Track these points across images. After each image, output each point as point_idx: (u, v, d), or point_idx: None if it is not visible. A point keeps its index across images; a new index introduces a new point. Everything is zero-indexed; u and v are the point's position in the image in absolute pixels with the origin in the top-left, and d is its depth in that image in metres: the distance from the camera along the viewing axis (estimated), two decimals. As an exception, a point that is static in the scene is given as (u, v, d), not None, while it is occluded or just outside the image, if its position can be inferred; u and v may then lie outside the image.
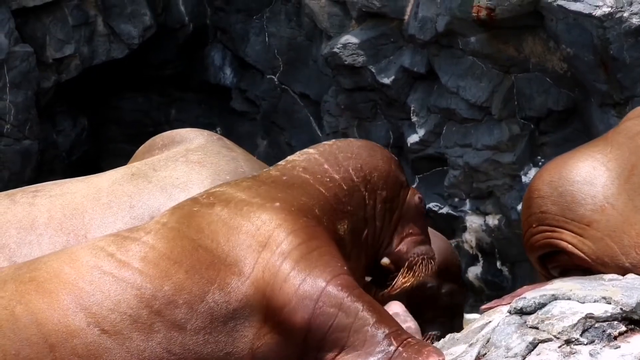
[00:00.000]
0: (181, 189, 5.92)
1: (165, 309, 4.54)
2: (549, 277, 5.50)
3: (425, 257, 5.13)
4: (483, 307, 5.14)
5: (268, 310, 4.58)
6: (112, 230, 5.70)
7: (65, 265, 4.69)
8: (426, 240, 5.27)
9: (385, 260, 5.17)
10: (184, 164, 6.07)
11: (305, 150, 5.25)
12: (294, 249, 4.63)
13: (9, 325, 4.53)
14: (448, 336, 4.95)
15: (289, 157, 5.20)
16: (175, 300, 4.55)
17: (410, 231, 5.20)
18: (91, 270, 4.63)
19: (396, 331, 4.57)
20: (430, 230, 5.49)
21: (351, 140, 5.32)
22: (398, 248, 5.16)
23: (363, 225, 5.08)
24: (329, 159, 5.11)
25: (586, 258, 5.25)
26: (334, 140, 5.36)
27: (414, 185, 9.14)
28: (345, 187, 5.04)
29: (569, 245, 5.30)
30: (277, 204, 4.79)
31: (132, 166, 6.19)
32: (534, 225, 5.44)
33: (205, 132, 6.47)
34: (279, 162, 5.22)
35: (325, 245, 4.71)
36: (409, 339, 4.56)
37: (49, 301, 4.58)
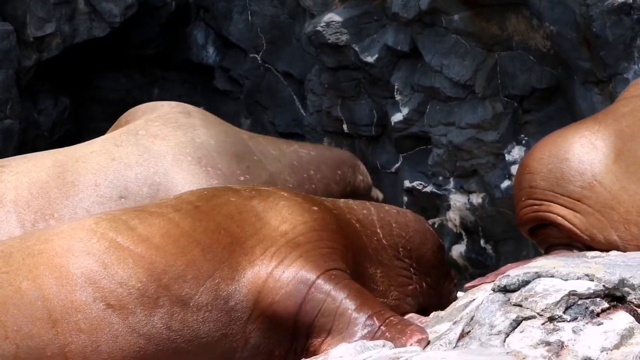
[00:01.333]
0: (145, 167, 5.90)
1: (174, 283, 4.57)
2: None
3: None
4: (467, 285, 5.17)
5: (264, 289, 4.62)
6: (79, 209, 5.67)
7: (78, 239, 4.67)
8: None
9: None
10: (144, 138, 6.04)
11: (367, 204, 5.37)
12: (309, 243, 4.72)
13: (14, 302, 4.51)
14: (432, 314, 4.97)
15: (349, 201, 5.33)
16: (184, 275, 4.58)
17: None
18: (107, 243, 4.63)
19: (379, 311, 4.61)
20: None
21: (409, 218, 5.44)
22: None
23: (408, 280, 5.20)
24: (384, 227, 5.26)
25: (576, 230, 5.33)
26: (395, 209, 5.45)
27: (397, 165, 9.15)
28: (389, 252, 5.17)
29: (559, 217, 5.39)
30: (315, 207, 4.88)
31: (94, 142, 6.14)
32: (523, 199, 5.53)
33: (173, 103, 6.46)
34: (338, 200, 5.34)
35: (338, 248, 4.80)
36: (392, 318, 4.59)
37: (59, 276, 4.57)
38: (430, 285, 5.30)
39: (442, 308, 5.22)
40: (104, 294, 4.52)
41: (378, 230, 5.21)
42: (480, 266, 8.62)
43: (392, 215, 5.35)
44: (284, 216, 4.79)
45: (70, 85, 9.86)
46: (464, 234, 8.87)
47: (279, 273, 4.63)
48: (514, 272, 4.45)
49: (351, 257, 4.90)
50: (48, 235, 4.74)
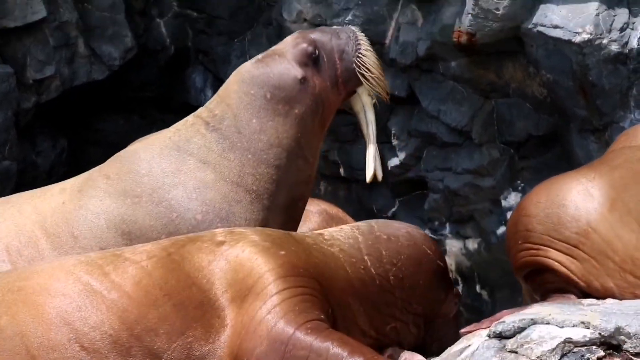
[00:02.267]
0: (111, 214, 5.89)
1: (146, 335, 4.57)
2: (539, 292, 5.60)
3: None
4: (462, 330, 5.16)
5: (240, 351, 4.60)
6: None
7: (56, 279, 4.71)
8: (454, 339, 5.32)
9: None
10: (99, 179, 6.06)
11: (352, 229, 5.28)
12: (277, 294, 4.68)
13: None
14: (428, 360, 4.97)
15: (333, 231, 5.26)
16: (156, 329, 4.58)
17: (441, 334, 5.29)
18: (81, 287, 4.67)
19: (372, 357, 4.58)
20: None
21: (401, 244, 5.32)
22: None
23: (389, 319, 5.14)
24: (372, 254, 5.18)
25: (573, 276, 5.35)
26: (385, 234, 5.34)
27: (394, 209, 9.15)
28: (377, 282, 5.11)
29: (555, 263, 5.41)
30: (283, 252, 4.84)
31: (64, 189, 6.13)
32: (519, 242, 5.56)
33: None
34: (321, 232, 5.26)
35: (309, 294, 4.75)
36: (388, 361, 4.58)
37: (35, 314, 4.62)
38: (420, 314, 5.22)
39: (440, 324, 5.20)
40: (78, 336, 4.56)
41: (365, 258, 5.14)
42: (475, 312, 8.61)
43: (381, 242, 5.27)
44: (249, 266, 4.75)
45: (68, 127, 9.88)
46: (459, 279, 8.87)
47: (252, 332, 4.59)
48: (509, 319, 4.45)
49: (330, 296, 4.85)
50: (29, 272, 4.81)
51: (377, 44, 8.89)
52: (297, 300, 4.66)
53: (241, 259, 4.77)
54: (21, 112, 9.10)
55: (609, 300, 4.98)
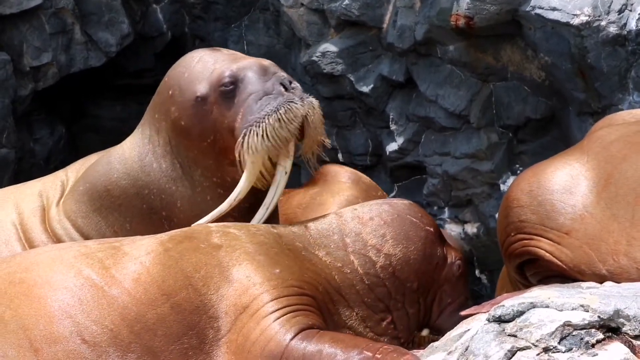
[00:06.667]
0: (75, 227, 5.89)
1: (145, 333, 4.62)
2: (526, 286, 5.53)
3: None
4: (463, 313, 5.15)
5: None
6: None
7: (57, 272, 4.74)
8: (464, 304, 5.29)
9: (424, 333, 5.22)
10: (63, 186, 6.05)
11: (336, 221, 5.19)
12: (271, 314, 4.69)
13: None
14: (428, 347, 4.97)
15: (319, 228, 5.16)
16: (155, 329, 4.62)
17: (449, 300, 5.25)
18: (83, 280, 4.70)
19: (367, 344, 4.59)
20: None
21: (383, 219, 5.21)
22: (437, 320, 5.22)
23: (383, 315, 5.11)
24: (356, 247, 5.12)
25: (563, 266, 5.30)
26: (365, 214, 5.21)
27: (392, 194, 9.14)
28: (367, 282, 5.09)
29: (547, 254, 5.36)
30: (277, 270, 4.84)
31: (41, 197, 6.12)
32: (512, 234, 5.50)
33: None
34: (309, 229, 5.16)
35: (302, 310, 4.76)
36: (385, 347, 4.58)
37: (37, 307, 4.67)
38: (416, 289, 5.15)
39: (446, 288, 5.17)
40: (79, 329, 4.60)
41: (351, 259, 5.11)
42: (475, 296, 8.61)
43: (364, 228, 5.16)
44: (245, 283, 4.75)
45: (66, 114, 9.87)
46: (459, 263, 8.86)
47: (246, 352, 4.61)
48: (509, 302, 4.45)
49: (323, 309, 4.86)
50: (29, 263, 4.83)
51: (375, 29, 8.88)
52: (290, 317, 4.68)
53: (238, 276, 4.78)
54: (18, 99, 9.09)
55: (608, 283, 4.97)
